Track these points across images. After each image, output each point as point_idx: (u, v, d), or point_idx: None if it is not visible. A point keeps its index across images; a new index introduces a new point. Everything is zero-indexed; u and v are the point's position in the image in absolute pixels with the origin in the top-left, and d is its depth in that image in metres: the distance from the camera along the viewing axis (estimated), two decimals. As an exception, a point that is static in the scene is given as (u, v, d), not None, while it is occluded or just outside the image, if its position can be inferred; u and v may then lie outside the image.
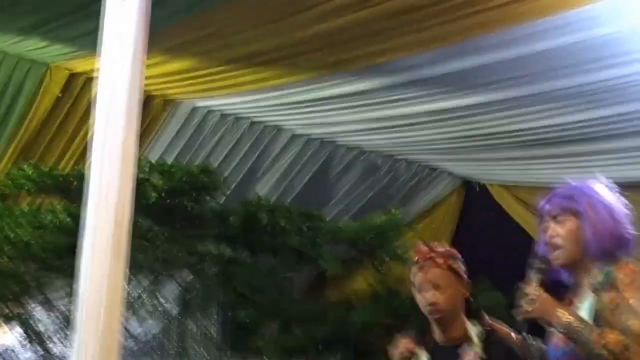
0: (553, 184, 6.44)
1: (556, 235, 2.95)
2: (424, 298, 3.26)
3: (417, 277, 3.31)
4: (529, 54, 4.50)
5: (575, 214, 2.95)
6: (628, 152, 5.47)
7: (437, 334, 3.32)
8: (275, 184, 6.43)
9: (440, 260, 3.33)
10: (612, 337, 2.72)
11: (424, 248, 3.39)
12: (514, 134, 5.74)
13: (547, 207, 3.00)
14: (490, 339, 3.25)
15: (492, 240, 6.74)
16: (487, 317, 3.34)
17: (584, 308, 2.89)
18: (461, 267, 3.37)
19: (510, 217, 6.75)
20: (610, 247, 2.89)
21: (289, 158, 6.34)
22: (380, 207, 6.19)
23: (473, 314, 3.37)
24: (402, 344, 3.26)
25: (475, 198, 6.98)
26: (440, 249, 3.39)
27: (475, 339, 3.26)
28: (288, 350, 6.01)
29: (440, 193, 7.06)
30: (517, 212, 6.70)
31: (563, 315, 2.80)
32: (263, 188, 6.35)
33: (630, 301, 2.74)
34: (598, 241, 2.90)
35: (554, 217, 2.96)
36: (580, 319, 2.79)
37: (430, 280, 3.28)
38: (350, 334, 5.77)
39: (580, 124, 5.41)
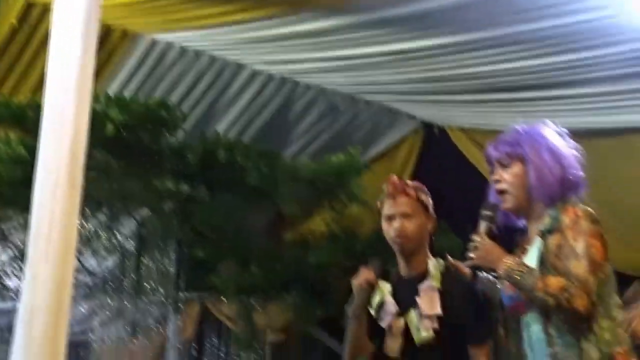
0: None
1: (502, 180, 2.99)
2: (393, 226, 3.29)
3: (387, 206, 3.35)
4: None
5: (521, 158, 2.97)
6: (586, 98, 5.51)
7: (401, 267, 3.35)
8: (235, 121, 6.39)
9: (411, 191, 3.37)
10: (553, 281, 2.76)
11: (396, 179, 3.42)
12: (473, 77, 5.74)
13: (494, 153, 3.04)
14: (449, 273, 3.31)
15: (450, 183, 6.78)
16: (450, 258, 3.39)
17: (532, 253, 2.93)
18: (429, 202, 3.42)
19: (469, 161, 6.78)
20: (556, 192, 2.93)
21: (249, 95, 6.29)
22: (339, 147, 6.18)
23: (436, 254, 3.43)
24: (363, 274, 3.28)
25: (434, 141, 7.00)
26: (411, 183, 3.43)
27: (434, 271, 3.32)
28: (245, 289, 6.08)
29: (399, 135, 7.07)
30: (474, 156, 6.73)
31: (505, 261, 2.84)
32: (222, 125, 6.31)
33: (573, 244, 2.78)
34: (543, 186, 2.93)
35: (501, 163, 3.00)
36: (523, 265, 2.83)
37: (401, 209, 3.32)
38: (307, 274, 5.81)
39: (539, 69, 5.42)
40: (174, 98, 5.98)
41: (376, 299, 3.32)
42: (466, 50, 5.30)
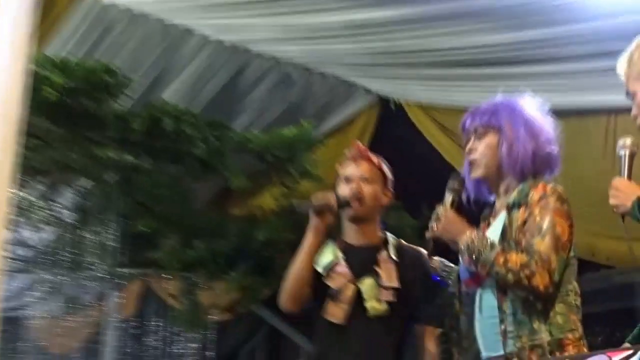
0: (469, 106, 6.51)
1: (474, 150, 3.00)
2: (349, 187, 3.31)
3: (348, 168, 3.40)
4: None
5: (496, 129, 2.98)
6: (550, 78, 5.53)
7: (350, 235, 3.36)
8: (184, 90, 6.31)
9: (374, 159, 3.45)
10: (514, 257, 2.78)
11: (361, 145, 3.53)
12: (433, 51, 5.75)
13: (470, 121, 3.04)
14: (402, 249, 3.38)
15: (406, 162, 6.79)
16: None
17: (495, 227, 2.95)
18: (390, 177, 3.46)
19: (425, 139, 6.79)
20: (528, 166, 2.94)
21: (198, 63, 6.21)
22: (292, 121, 6.17)
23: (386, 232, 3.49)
24: (323, 195, 3.31)
25: (390, 117, 6.99)
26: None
27: (394, 242, 3.41)
28: (188, 264, 6.05)
29: (355, 109, 7.05)
30: (432, 134, 6.75)
31: (467, 234, 2.86)
32: (170, 94, 6.22)
33: (538, 220, 2.80)
34: (513, 159, 2.94)
35: (476, 132, 3.01)
36: (484, 238, 2.85)
37: (361, 172, 3.38)
38: (253, 249, 5.79)
39: (502, 45, 5.45)
40: (118, 63, 5.88)
41: (327, 258, 3.31)
42: (427, 22, 5.30)
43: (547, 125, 2.98)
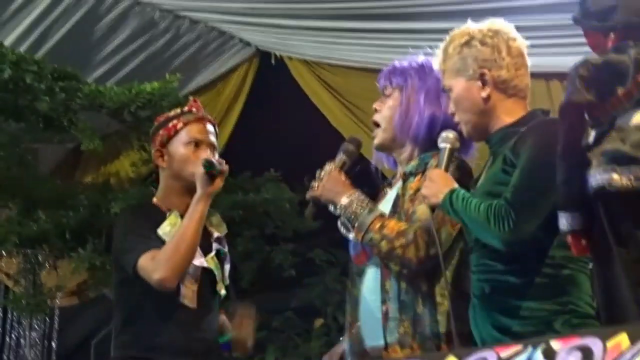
0: (360, 64, 6.53)
1: (379, 110, 3.09)
2: (203, 153, 3.25)
3: (192, 129, 3.30)
4: None
5: (400, 89, 3.03)
6: (444, 34, 5.58)
7: (182, 205, 3.27)
8: (25, 32, 6.07)
9: (215, 123, 3.43)
10: (392, 224, 2.81)
11: (198, 102, 3.45)
12: (321, 2, 5.73)
13: (381, 80, 3.16)
14: None
15: (287, 125, 6.78)
16: None
17: (389, 196, 2.98)
18: None
19: (310, 100, 6.78)
20: (422, 132, 2.98)
21: (44, 2, 6.00)
22: (156, 74, 6.06)
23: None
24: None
25: (270, 73, 6.94)
26: None
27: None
28: (28, 238, 5.91)
29: (229, 63, 6.96)
30: (317, 93, 6.74)
31: (346, 195, 2.88)
32: (10, 38, 6.00)
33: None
34: (408, 122, 2.99)
35: (384, 92, 3.13)
36: (364, 202, 2.92)
37: (210, 138, 3.34)
38: (105, 222, 5.69)
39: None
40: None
41: (171, 229, 3.22)
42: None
43: None
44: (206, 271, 3.24)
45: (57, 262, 6.27)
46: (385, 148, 3.13)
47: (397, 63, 3.14)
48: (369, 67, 6.41)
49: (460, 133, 2.88)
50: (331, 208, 2.99)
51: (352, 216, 2.89)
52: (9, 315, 6.97)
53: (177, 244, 3.08)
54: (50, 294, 6.35)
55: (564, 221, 2.31)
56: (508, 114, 2.76)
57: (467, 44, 2.79)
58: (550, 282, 2.60)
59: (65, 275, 6.31)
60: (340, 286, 6.56)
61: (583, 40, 2.58)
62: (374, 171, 3.23)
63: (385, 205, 2.99)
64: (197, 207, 3.12)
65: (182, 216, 3.22)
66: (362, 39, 6.28)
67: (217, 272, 3.27)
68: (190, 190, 3.24)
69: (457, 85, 2.79)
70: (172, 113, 3.40)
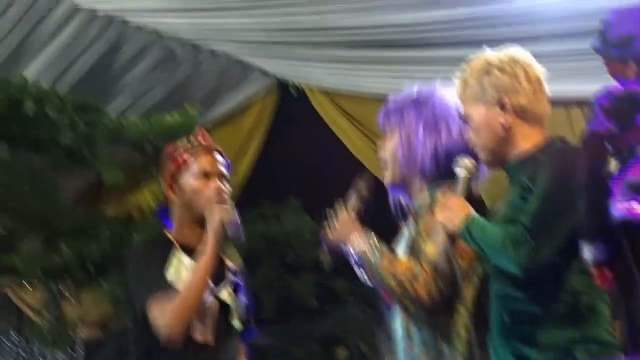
0: (382, 93, 6.53)
1: (383, 151, 3.13)
2: (211, 185, 3.24)
3: (203, 160, 3.30)
4: None
5: (399, 127, 3.04)
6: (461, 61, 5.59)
7: (192, 238, 3.26)
8: (49, 66, 6.15)
9: (223, 154, 3.41)
10: (402, 263, 2.81)
11: (205, 132, 3.44)
12: (340, 30, 5.75)
13: (380, 120, 3.17)
14: None
15: (308, 155, 6.80)
16: None
17: (404, 236, 2.98)
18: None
19: (330, 129, 6.80)
20: (428, 165, 2.98)
21: (67, 35, 6.06)
22: (176, 105, 6.10)
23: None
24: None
25: (290, 102, 6.98)
26: None
27: None
28: (51, 270, 5.93)
29: (249, 94, 7.01)
30: (337, 122, 6.77)
31: (357, 237, 2.89)
32: (32, 70, 6.07)
33: (437, 223, 2.83)
34: (410, 158, 3.02)
35: (385, 131, 3.14)
36: (373, 243, 2.92)
37: (220, 168, 3.33)
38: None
39: (418, 26, 5.48)
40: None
41: (175, 271, 3.19)
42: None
43: (457, 120, 3.02)
44: (221, 304, 3.22)
45: (79, 294, 6.28)
46: (396, 185, 3.14)
47: (391, 100, 3.16)
48: (388, 96, 6.43)
49: (475, 158, 2.89)
50: (346, 252, 3.01)
51: (364, 258, 2.90)
52: (33, 348, 6.99)
53: (184, 300, 3.07)
54: (73, 326, 6.35)
55: (588, 252, 2.31)
56: (527, 141, 2.77)
57: (486, 71, 2.80)
58: (570, 309, 2.59)
59: (88, 307, 6.32)
60: (363, 315, 6.54)
61: (602, 66, 2.59)
62: (394, 207, 3.22)
63: (400, 243, 2.99)
64: (206, 259, 3.12)
65: (192, 250, 3.21)
66: (382, 67, 6.31)
67: (232, 305, 3.25)
68: (202, 222, 3.23)
69: (476, 112, 2.80)
70: (179, 144, 3.39)
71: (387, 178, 3.11)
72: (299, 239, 6.30)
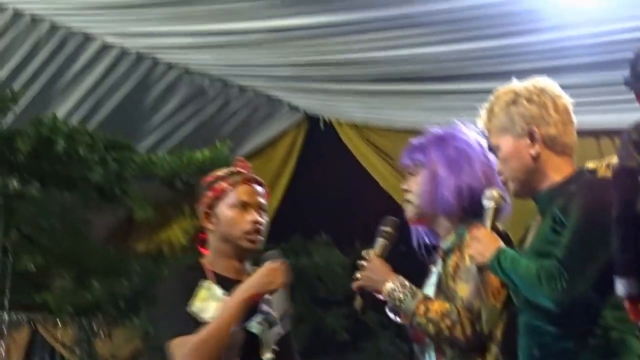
0: (410, 127, 6.54)
1: (408, 189, 3.11)
2: (248, 217, 3.20)
3: (241, 191, 3.24)
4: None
5: (425, 166, 3.06)
6: (488, 94, 5.59)
7: (229, 269, 3.21)
8: (79, 104, 6.21)
9: (263, 184, 3.34)
10: (436, 306, 2.81)
11: (245, 162, 3.37)
12: (368, 64, 5.76)
13: (403, 159, 3.15)
14: None
15: (337, 188, 6.80)
16: None
17: (432, 276, 2.98)
18: None
19: (359, 163, 6.80)
20: (453, 205, 2.98)
21: (97, 73, 6.12)
22: (205, 141, 6.11)
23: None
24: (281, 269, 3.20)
25: (319, 137, 7.00)
26: None
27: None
28: (83, 307, 5.95)
29: (278, 129, 7.04)
30: (366, 156, 6.77)
31: (389, 282, 2.89)
32: (63, 108, 6.13)
33: (468, 263, 2.83)
34: (437, 197, 3.01)
35: (408, 170, 3.12)
36: (406, 287, 2.92)
37: (259, 199, 3.25)
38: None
39: (445, 58, 5.48)
40: (3, 73, 5.77)
41: (211, 303, 3.12)
42: (359, 31, 5.30)
43: (479, 158, 3.02)
44: (250, 336, 3.18)
45: (111, 331, 6.29)
46: (419, 223, 3.14)
47: (415, 141, 3.16)
48: (417, 129, 6.41)
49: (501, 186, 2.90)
50: (378, 295, 3.00)
51: (398, 302, 2.89)
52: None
53: (209, 338, 2.99)
54: (105, 362, 6.38)
55: (621, 287, 2.29)
56: (556, 171, 2.75)
57: (514, 102, 2.79)
58: (601, 344, 2.57)
59: (120, 343, 6.34)
60: (394, 349, 6.51)
61: (631, 97, 2.57)
62: (417, 245, 3.21)
63: (429, 286, 2.99)
64: (238, 304, 3.05)
65: (226, 280, 3.17)
66: (410, 101, 6.31)
67: (262, 337, 3.20)
68: (238, 253, 3.19)
69: (505, 143, 2.78)
70: (219, 173, 3.32)
71: (410, 216, 3.10)
72: (330, 273, 6.29)
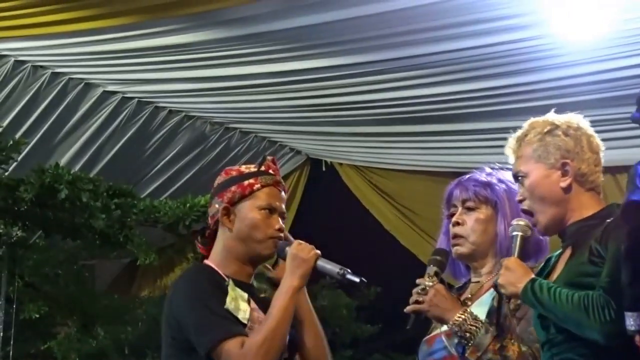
0: (410, 167, 6.50)
1: (462, 223, 3.07)
2: (273, 223, 2.96)
3: (271, 193, 3.00)
4: (387, 11, 4.53)
5: (492, 204, 3.07)
6: (497, 133, 5.58)
7: (243, 273, 3.07)
8: (80, 151, 6.23)
9: (286, 189, 3.18)
10: (510, 345, 2.79)
11: (276, 163, 3.12)
12: (367, 105, 5.77)
13: (458, 192, 3.10)
14: None
15: (339, 230, 6.78)
16: None
17: (479, 307, 2.95)
18: None
19: (361, 204, 6.79)
20: (505, 245, 2.99)
21: (99, 121, 6.14)
22: (207, 186, 6.08)
23: None
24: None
25: (320, 179, 6.99)
26: None
27: None
28: (87, 354, 5.92)
29: (280, 171, 7.03)
30: (368, 197, 6.76)
31: (457, 313, 2.87)
32: (64, 155, 6.14)
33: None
34: (498, 238, 3.03)
35: (464, 204, 3.08)
36: (478, 320, 2.88)
37: (283, 206, 3.05)
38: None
39: (445, 99, 5.50)
40: (5, 122, 5.78)
41: (241, 305, 2.99)
42: (360, 74, 5.32)
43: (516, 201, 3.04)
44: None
45: (117, 378, 6.25)
46: (467, 259, 3.13)
47: (477, 176, 3.13)
48: (419, 170, 6.43)
49: (539, 246, 2.92)
50: (437, 322, 2.98)
51: (467, 334, 2.86)
52: None
53: (274, 335, 2.82)
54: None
55: (631, 321, 2.26)
56: (585, 207, 2.72)
57: (550, 132, 2.76)
58: None
59: (126, 391, 6.29)
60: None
61: (638, 133, 2.57)
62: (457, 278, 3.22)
63: (478, 308, 2.96)
64: (290, 297, 2.89)
65: (238, 284, 3.00)
66: (412, 142, 6.31)
67: None
68: (251, 257, 2.97)
69: (536, 171, 2.75)
70: (247, 170, 3.04)
71: (462, 249, 3.06)
72: (336, 316, 6.25)
